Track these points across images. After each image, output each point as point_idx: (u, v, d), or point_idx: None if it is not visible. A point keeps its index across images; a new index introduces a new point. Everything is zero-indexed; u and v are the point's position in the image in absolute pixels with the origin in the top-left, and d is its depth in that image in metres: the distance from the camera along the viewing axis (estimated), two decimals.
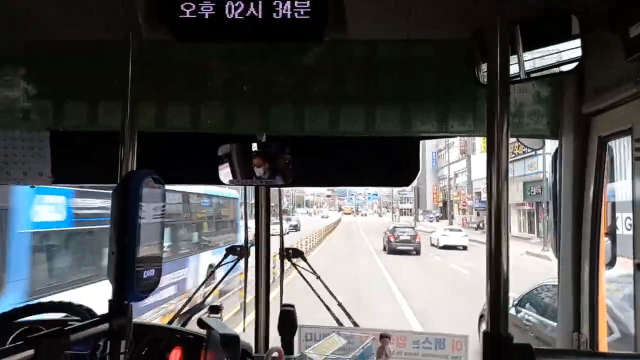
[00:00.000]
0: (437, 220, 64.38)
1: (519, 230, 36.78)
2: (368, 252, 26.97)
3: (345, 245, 31.35)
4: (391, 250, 26.41)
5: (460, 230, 32.21)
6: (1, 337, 1.91)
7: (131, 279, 1.25)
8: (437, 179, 72.49)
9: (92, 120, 2.18)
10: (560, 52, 1.75)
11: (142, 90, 1.51)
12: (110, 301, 1.31)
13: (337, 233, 43.42)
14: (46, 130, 2.41)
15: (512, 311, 10.37)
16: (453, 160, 58.88)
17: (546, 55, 1.74)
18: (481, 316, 8.73)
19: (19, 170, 2.48)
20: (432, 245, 30.35)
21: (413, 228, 31.00)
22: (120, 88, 1.47)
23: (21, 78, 2.23)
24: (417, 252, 26.19)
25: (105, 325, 1.27)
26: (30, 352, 1.06)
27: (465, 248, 28.28)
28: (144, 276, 1.29)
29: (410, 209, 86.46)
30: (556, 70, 1.78)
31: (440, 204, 70.30)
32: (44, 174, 2.49)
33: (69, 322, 1.32)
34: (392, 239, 27.18)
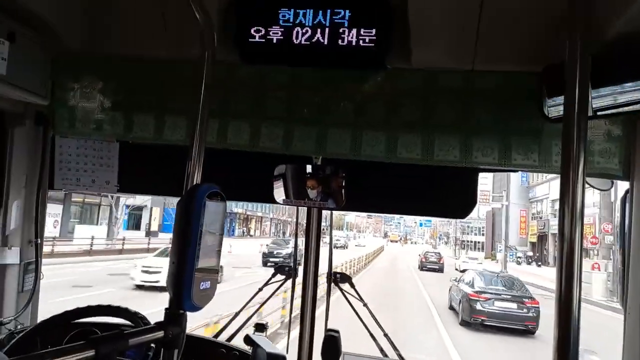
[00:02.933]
0: (530, 263, 44.54)
1: None
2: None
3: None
4: (422, 268, 35.10)
5: (476, 259, 37.39)
6: (58, 336, 2.00)
7: (188, 289, 1.28)
8: (528, 201, 50.20)
9: (159, 134, 2.29)
10: (632, 91, 1.68)
11: (209, 109, 1.57)
12: (166, 309, 1.35)
13: (373, 273, 29.99)
14: (116, 141, 2.56)
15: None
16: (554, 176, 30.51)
17: (620, 93, 1.67)
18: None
19: (88, 177, 2.63)
20: (456, 269, 31.56)
21: (439, 252, 39.39)
22: (189, 104, 1.54)
23: (98, 90, 2.38)
24: (441, 270, 32.97)
25: (161, 333, 1.30)
26: (91, 352, 1.10)
27: None
28: (201, 287, 1.32)
29: (479, 243, 65.65)
30: (629, 108, 1.70)
31: (533, 238, 47.64)
32: (110, 182, 2.63)
33: (122, 328, 1.36)
34: (423, 260, 36.42)
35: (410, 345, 10.73)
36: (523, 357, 11.41)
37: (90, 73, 2.39)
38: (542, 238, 45.21)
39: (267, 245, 32.32)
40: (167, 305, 1.34)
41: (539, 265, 42.16)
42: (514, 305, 14.02)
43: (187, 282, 1.28)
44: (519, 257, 46.50)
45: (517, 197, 48.98)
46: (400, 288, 23.22)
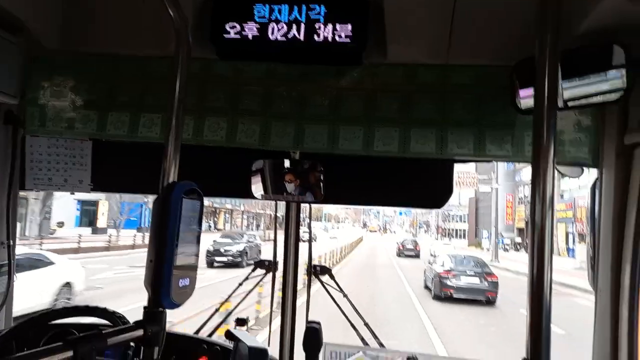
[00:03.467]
0: (518, 249, 43.41)
1: None
2: None
3: None
4: (399, 254, 38.33)
5: (449, 244, 42.08)
6: (35, 338, 1.96)
7: (167, 287, 1.28)
8: (514, 185, 47.82)
9: (134, 132, 2.25)
10: (603, 82, 1.73)
11: (184, 105, 1.56)
12: (145, 308, 1.34)
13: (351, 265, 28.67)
14: (89, 139, 2.51)
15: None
16: None
17: (589, 85, 1.72)
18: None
19: (60, 177, 2.57)
20: (431, 255, 31.07)
21: (415, 240, 43.47)
22: (163, 101, 1.53)
23: (70, 88, 2.33)
24: (418, 257, 35.87)
25: (140, 332, 1.29)
26: (69, 353, 1.09)
27: None
28: (180, 285, 1.32)
29: (461, 230, 64.11)
30: (598, 99, 1.75)
31: (520, 224, 45.81)
32: (84, 181, 2.58)
33: (101, 327, 1.35)
34: (401, 248, 39.89)
35: (390, 317, 12.71)
36: (479, 319, 13.93)
37: (62, 71, 2.34)
38: (528, 225, 43.78)
39: (214, 241, 25.19)
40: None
41: (519, 250, 41.29)
42: (477, 280, 16.46)
43: (165, 280, 1.28)
44: (507, 245, 45.19)
45: (502, 180, 45.06)
46: (380, 278, 23.34)
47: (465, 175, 45.38)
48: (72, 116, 2.32)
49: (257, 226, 69.31)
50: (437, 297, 16.69)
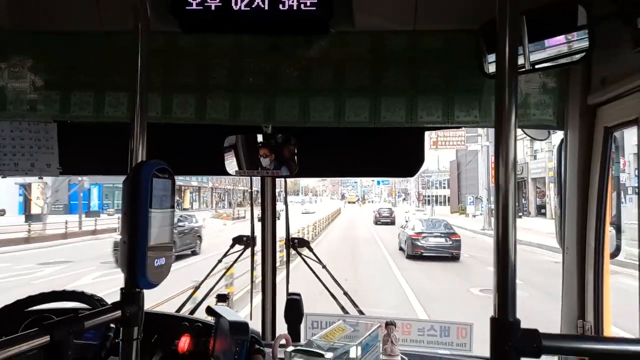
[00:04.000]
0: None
1: None
2: None
3: None
4: (376, 222, 40.35)
5: (423, 210, 45.23)
6: (12, 325, 1.94)
7: (142, 268, 1.28)
8: None
9: (100, 112, 2.19)
10: (567, 43, 1.75)
11: (150, 82, 1.52)
12: (122, 289, 1.34)
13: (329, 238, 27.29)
14: (53, 121, 2.43)
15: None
16: None
17: (553, 46, 1.74)
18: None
19: (27, 161, 2.50)
20: (406, 221, 31.46)
21: (390, 208, 46.19)
22: (128, 79, 1.48)
23: (28, 69, 2.24)
24: (393, 223, 37.11)
25: (118, 313, 1.29)
26: (46, 338, 1.09)
27: None
28: (155, 264, 1.31)
29: (441, 197, 61.14)
30: (563, 61, 1.78)
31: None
32: (52, 165, 2.51)
33: (79, 311, 1.34)
34: (377, 216, 42.04)
35: (370, 275, 14.45)
36: (446, 273, 15.85)
37: (19, 51, 2.24)
38: (519, 185, 37.12)
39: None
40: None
41: (520, 216, 33.96)
42: (443, 240, 18.81)
43: (140, 260, 1.27)
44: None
45: (485, 139, 39.41)
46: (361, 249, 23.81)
47: (446, 136, 40.33)
48: (34, 98, 2.24)
49: (229, 203, 65.79)
50: (410, 257, 18.90)
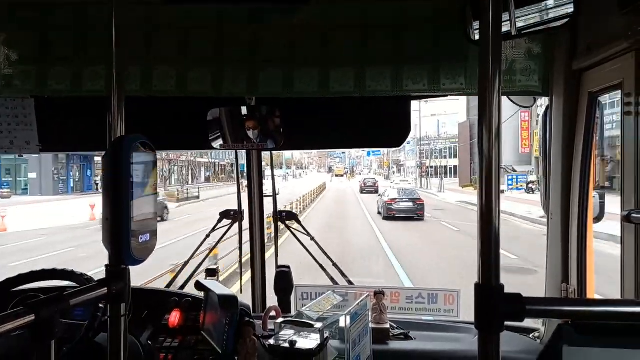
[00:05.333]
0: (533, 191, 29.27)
1: None
2: None
3: None
4: (362, 191, 44.03)
5: (406, 181, 47.35)
6: (1, 305, 1.93)
7: (127, 244, 1.26)
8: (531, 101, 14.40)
9: (78, 86, 2.13)
10: (552, 8, 1.73)
11: (129, 55, 1.47)
12: (107, 266, 1.32)
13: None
14: (30, 97, 2.36)
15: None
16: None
17: (538, 12, 1.72)
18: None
19: (6, 139, 2.44)
20: (384, 191, 32.31)
21: (374, 178, 50.25)
22: (106, 52, 1.43)
23: (2, 42, 2.16)
24: (377, 192, 38.12)
25: (104, 290, 1.28)
26: (31, 317, 1.07)
27: None
28: (140, 240, 1.29)
29: (449, 168, 51.48)
30: (547, 26, 1.76)
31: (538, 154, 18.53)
32: (31, 142, 2.45)
33: (67, 289, 1.33)
34: (362, 186, 46.38)
35: (354, 232, 18.29)
36: (415, 229, 19.83)
37: None
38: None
39: None
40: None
41: (532, 192, 29.73)
42: (411, 204, 23.28)
43: (124, 236, 1.25)
44: (531, 183, 31.95)
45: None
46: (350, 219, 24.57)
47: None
48: (9, 72, 2.16)
49: (207, 179, 57.84)
50: (385, 218, 23.26)
